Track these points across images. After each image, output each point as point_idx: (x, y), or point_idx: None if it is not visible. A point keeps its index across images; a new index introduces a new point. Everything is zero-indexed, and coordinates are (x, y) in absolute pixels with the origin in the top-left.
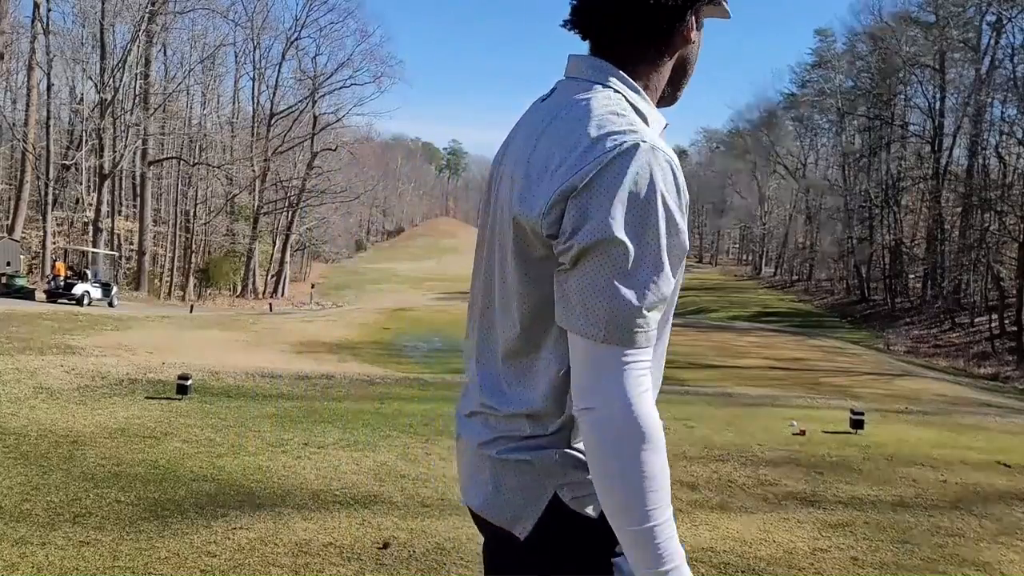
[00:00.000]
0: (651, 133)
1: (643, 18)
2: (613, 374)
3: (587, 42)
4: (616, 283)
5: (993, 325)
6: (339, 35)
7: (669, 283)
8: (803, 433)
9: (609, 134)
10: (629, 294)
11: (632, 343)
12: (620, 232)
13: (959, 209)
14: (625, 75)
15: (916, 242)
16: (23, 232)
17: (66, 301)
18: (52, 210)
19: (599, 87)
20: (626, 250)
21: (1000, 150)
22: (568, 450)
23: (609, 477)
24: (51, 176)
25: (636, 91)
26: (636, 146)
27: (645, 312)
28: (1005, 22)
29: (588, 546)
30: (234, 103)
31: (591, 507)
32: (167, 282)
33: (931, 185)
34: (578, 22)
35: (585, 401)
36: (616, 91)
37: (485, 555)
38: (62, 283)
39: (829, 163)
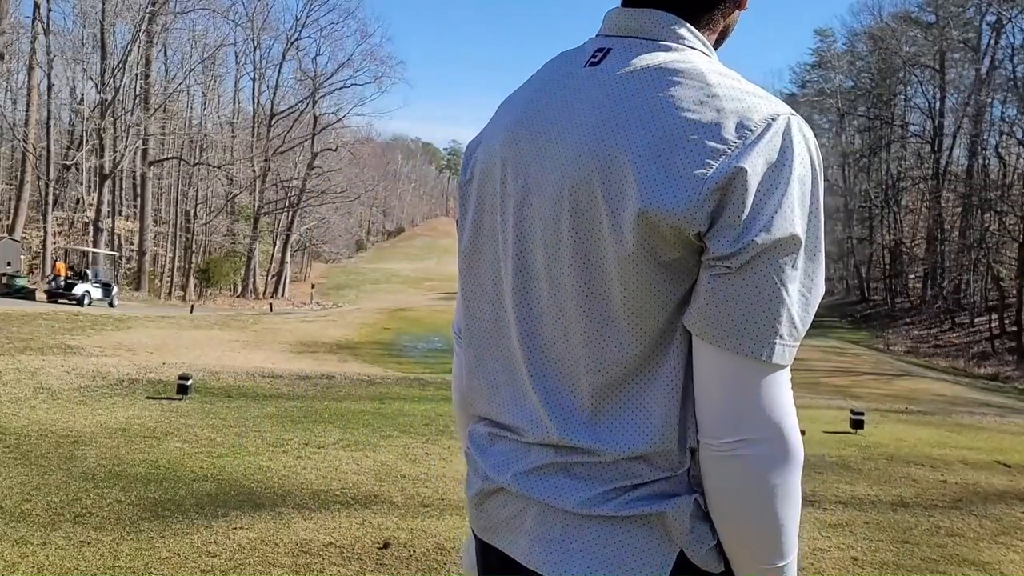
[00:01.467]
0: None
1: None
2: (784, 396)
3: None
4: (792, 289)
5: (993, 325)
6: (339, 35)
7: (823, 283)
8: (803, 433)
9: (753, 106)
10: (803, 302)
11: (790, 358)
12: (799, 227)
13: (959, 209)
14: (700, 33)
15: (916, 242)
16: (23, 232)
17: (66, 301)
18: (52, 210)
19: (680, 47)
20: (801, 249)
21: (1000, 150)
22: (698, 495)
23: (770, 516)
24: (51, 176)
25: (711, 54)
26: (790, 118)
27: (808, 322)
28: (1005, 22)
29: None
30: (234, 103)
31: (716, 561)
32: (167, 282)
33: (931, 185)
34: None
35: (752, 431)
36: (704, 53)
37: None
38: (62, 283)
39: (829, 163)
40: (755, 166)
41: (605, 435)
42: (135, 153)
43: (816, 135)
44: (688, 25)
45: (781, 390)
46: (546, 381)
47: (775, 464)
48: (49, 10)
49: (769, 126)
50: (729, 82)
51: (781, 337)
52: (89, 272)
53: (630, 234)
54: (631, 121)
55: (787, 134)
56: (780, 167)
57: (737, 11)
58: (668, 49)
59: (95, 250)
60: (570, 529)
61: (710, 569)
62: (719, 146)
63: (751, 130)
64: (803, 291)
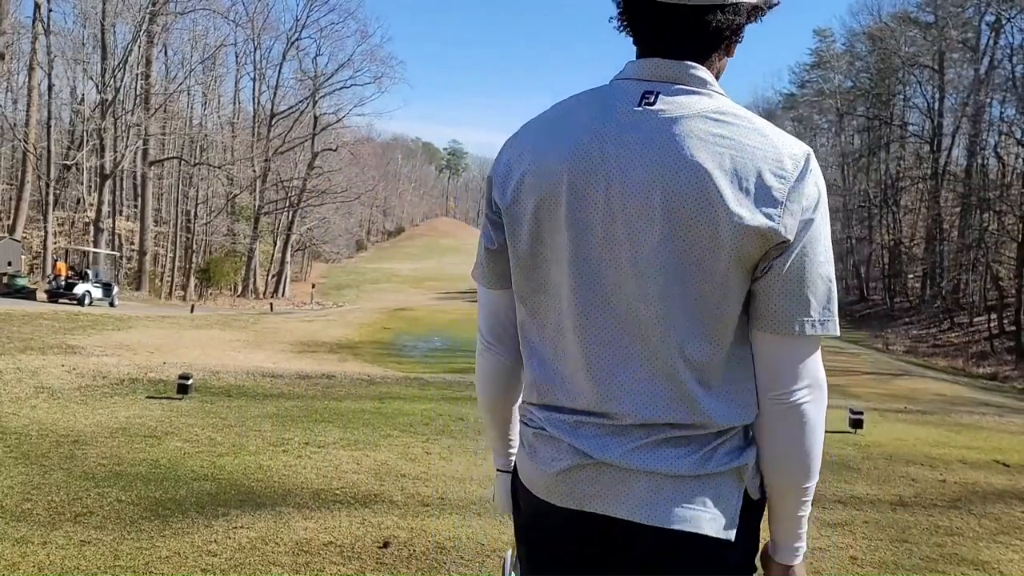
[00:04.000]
0: None
1: (737, 31)
2: (818, 351)
3: (637, 44)
4: (830, 270)
5: (992, 325)
6: (339, 35)
7: None
8: None
9: (792, 143)
10: (832, 277)
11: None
12: (827, 228)
13: (958, 209)
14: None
15: (915, 242)
16: (24, 232)
17: (67, 301)
18: (53, 210)
19: (711, 92)
20: (829, 243)
21: (999, 150)
22: (755, 445)
23: (812, 450)
24: (52, 176)
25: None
26: (811, 153)
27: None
28: (1004, 22)
29: (757, 529)
30: (235, 103)
31: (759, 491)
32: (168, 282)
33: (930, 185)
34: (686, 34)
35: (805, 380)
36: (726, 97)
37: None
38: (63, 283)
39: (828, 163)
40: (805, 187)
41: (712, 411)
42: (135, 153)
43: (815, 135)
44: (711, 76)
45: (817, 345)
46: (640, 370)
47: (822, 406)
48: (49, 10)
49: (807, 159)
50: (766, 125)
51: (827, 306)
52: (90, 272)
53: (725, 243)
54: (704, 153)
55: (814, 165)
56: (818, 184)
57: (727, 57)
58: (707, 95)
59: (96, 250)
60: (680, 487)
61: (756, 498)
62: (783, 173)
63: (797, 163)
64: (832, 271)
